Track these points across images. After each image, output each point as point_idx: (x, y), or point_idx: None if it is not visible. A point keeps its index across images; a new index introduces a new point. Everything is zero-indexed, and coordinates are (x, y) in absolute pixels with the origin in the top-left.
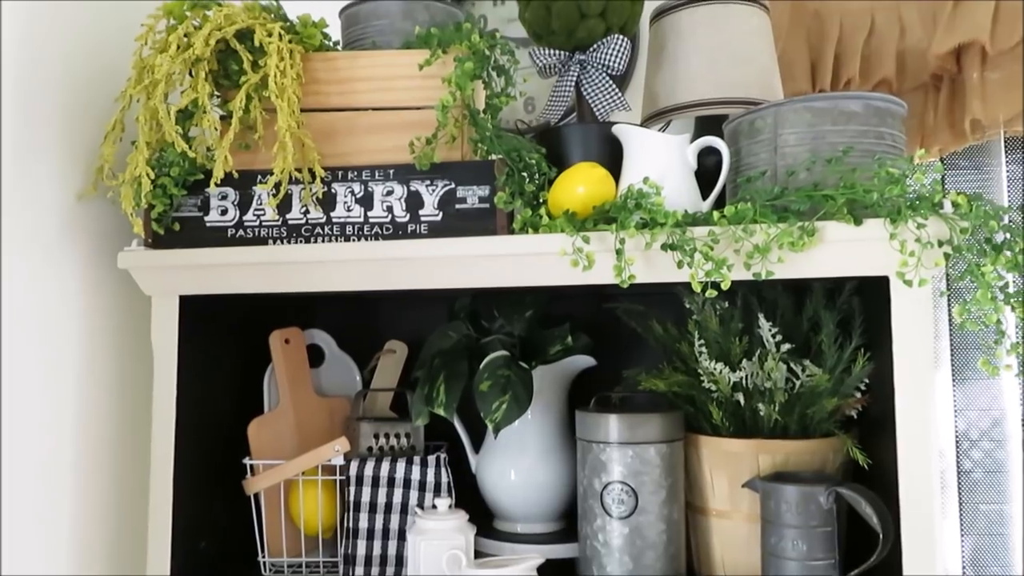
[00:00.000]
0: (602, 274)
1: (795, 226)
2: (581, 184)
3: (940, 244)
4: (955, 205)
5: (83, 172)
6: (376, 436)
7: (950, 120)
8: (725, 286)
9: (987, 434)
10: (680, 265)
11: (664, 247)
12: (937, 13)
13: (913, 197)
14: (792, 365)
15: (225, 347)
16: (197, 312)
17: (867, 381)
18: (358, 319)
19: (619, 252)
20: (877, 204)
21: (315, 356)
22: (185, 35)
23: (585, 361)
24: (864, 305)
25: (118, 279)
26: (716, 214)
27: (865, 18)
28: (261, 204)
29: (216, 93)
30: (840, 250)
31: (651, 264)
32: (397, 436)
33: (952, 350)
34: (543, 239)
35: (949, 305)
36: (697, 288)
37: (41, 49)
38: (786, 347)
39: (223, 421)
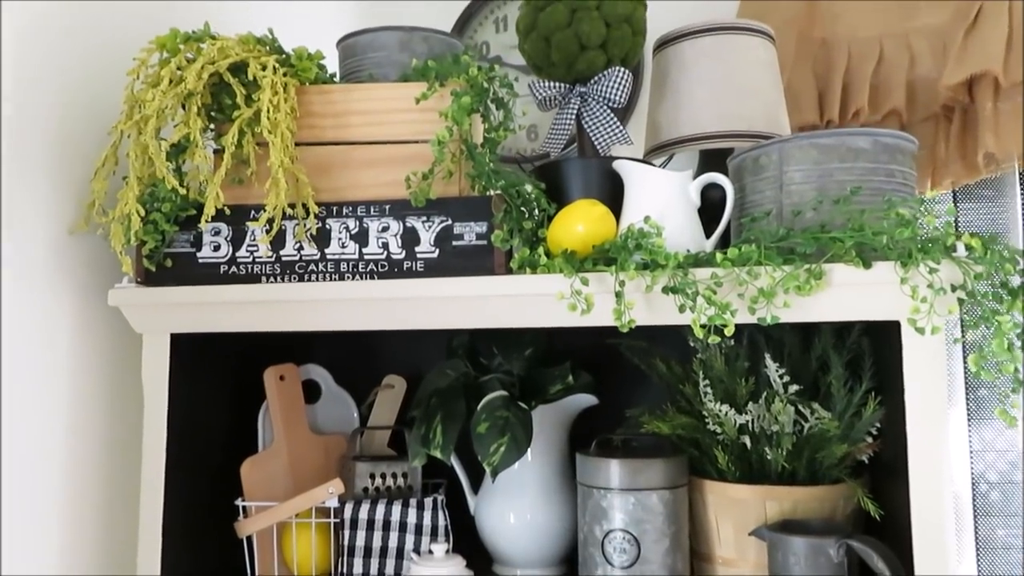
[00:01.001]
0: (601, 316)
1: (801, 269)
2: (580, 222)
3: (954, 289)
4: (969, 248)
5: (75, 206)
6: (372, 476)
7: (962, 152)
8: (729, 332)
9: (1006, 476)
10: (682, 309)
11: (665, 290)
12: (948, 43)
13: (925, 239)
14: (800, 407)
15: (218, 384)
16: (189, 349)
17: (878, 425)
18: (356, 353)
19: (619, 295)
20: (887, 247)
21: (311, 392)
22: (178, 69)
23: (587, 400)
24: (874, 345)
25: (110, 315)
26: (719, 255)
27: (874, 47)
28: (254, 240)
29: (210, 127)
30: (848, 294)
31: (652, 307)
32: (394, 476)
33: (967, 388)
34: (541, 280)
35: (964, 352)
36: (700, 334)
37: (35, 80)
38: (794, 388)
39: (215, 460)
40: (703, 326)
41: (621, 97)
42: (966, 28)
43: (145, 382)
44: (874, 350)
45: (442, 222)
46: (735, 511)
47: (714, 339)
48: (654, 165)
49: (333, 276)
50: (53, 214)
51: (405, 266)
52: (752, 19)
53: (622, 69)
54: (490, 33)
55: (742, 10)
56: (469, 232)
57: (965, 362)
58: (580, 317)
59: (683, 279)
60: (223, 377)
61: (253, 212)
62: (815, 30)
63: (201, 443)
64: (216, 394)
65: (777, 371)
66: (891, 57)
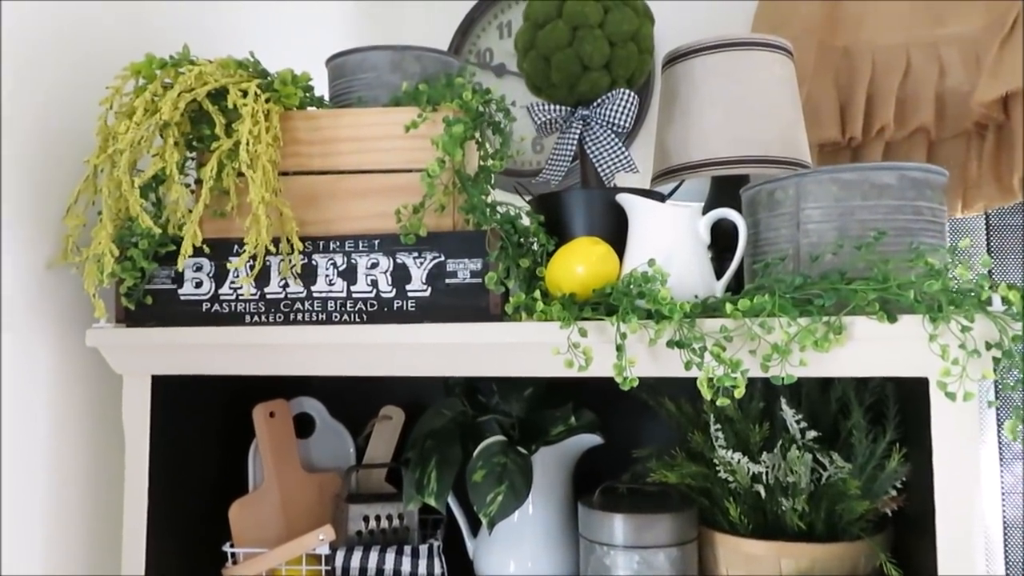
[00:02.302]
0: (602, 367)
1: (820, 322)
2: (580, 264)
3: (988, 347)
4: (1006, 302)
5: (55, 240)
6: (366, 519)
7: (996, 173)
8: (739, 394)
9: None
10: (688, 366)
11: (670, 344)
12: (981, 53)
13: (956, 290)
14: (818, 456)
15: (204, 423)
16: (172, 389)
17: (903, 479)
18: (351, 383)
19: (619, 349)
20: (915, 300)
21: (305, 425)
22: (153, 97)
23: (591, 440)
24: (899, 391)
25: (90, 353)
26: (729, 305)
27: (900, 57)
28: (238, 276)
29: (191, 156)
30: (871, 348)
31: (657, 359)
32: (389, 518)
33: (999, 424)
34: (537, 328)
35: (999, 418)
36: (707, 394)
37: (12, 108)
38: (812, 435)
39: (203, 503)
40: (711, 386)
41: (626, 121)
42: (1002, 37)
43: (126, 424)
44: (899, 397)
45: (434, 258)
46: (748, 567)
47: (723, 401)
48: (661, 194)
49: (320, 315)
50: (32, 248)
51: (395, 306)
52: (769, 27)
53: (627, 91)
54: (494, 39)
55: (758, 18)
56: (463, 269)
57: (999, 427)
58: (579, 372)
59: (690, 331)
60: (210, 415)
61: (236, 247)
62: (837, 38)
63: (187, 486)
64: (202, 434)
65: (794, 416)
66: (919, 68)
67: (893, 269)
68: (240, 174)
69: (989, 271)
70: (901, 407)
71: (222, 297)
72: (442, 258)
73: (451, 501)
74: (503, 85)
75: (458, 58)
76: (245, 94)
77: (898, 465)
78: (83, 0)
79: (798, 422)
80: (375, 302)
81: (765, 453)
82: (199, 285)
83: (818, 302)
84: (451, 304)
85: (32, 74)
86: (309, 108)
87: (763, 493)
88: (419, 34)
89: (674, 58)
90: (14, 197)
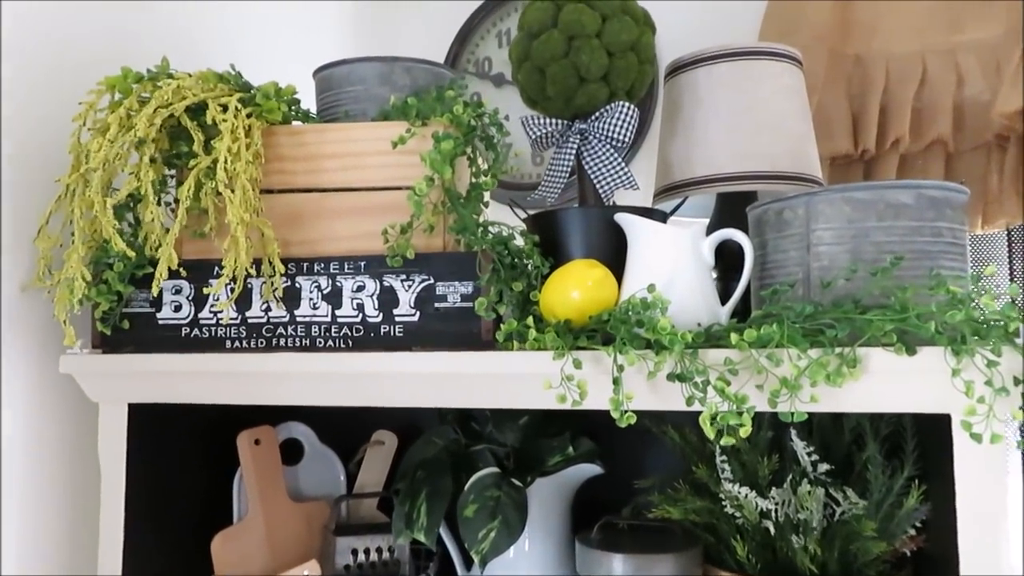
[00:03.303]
0: (597, 400)
1: (832, 354)
2: (575, 288)
3: (1017, 383)
4: None
5: (30, 262)
6: (354, 552)
7: (1018, 187)
8: (744, 433)
9: None
10: (690, 401)
11: (671, 377)
12: (1001, 60)
13: (980, 321)
14: (831, 491)
15: (186, 452)
16: (151, 417)
17: (923, 518)
18: (342, 407)
19: (616, 382)
20: (936, 332)
21: (293, 451)
22: (129, 113)
23: (590, 470)
24: (918, 423)
25: (68, 380)
26: (735, 336)
27: (915, 66)
28: (218, 300)
29: (171, 174)
30: (888, 383)
31: (657, 392)
32: (379, 551)
33: None
34: (529, 358)
35: None
36: (710, 433)
37: None
38: (824, 468)
39: (185, 534)
40: (714, 424)
41: (626, 135)
42: None
43: (102, 454)
44: (917, 429)
45: (423, 281)
46: None
47: (728, 440)
48: (663, 212)
49: (303, 341)
50: (7, 270)
51: (382, 331)
52: (777, 35)
53: (626, 104)
54: (492, 48)
55: (765, 26)
56: (453, 293)
57: None
58: (573, 406)
59: (692, 363)
60: (191, 443)
61: (217, 268)
62: (848, 46)
63: (166, 518)
64: (184, 463)
65: (805, 448)
66: (935, 76)
67: (912, 297)
68: (220, 193)
69: (1013, 300)
70: (920, 440)
71: (202, 321)
72: (431, 281)
73: (443, 531)
74: (502, 95)
75: (456, 68)
76: (225, 109)
77: (917, 503)
78: (63, 10)
79: (809, 454)
80: (361, 327)
81: (774, 488)
82: (178, 309)
83: (830, 333)
84: (441, 330)
85: (10, 88)
86: (295, 123)
87: (772, 530)
88: (417, 43)
89: (677, 68)
90: None
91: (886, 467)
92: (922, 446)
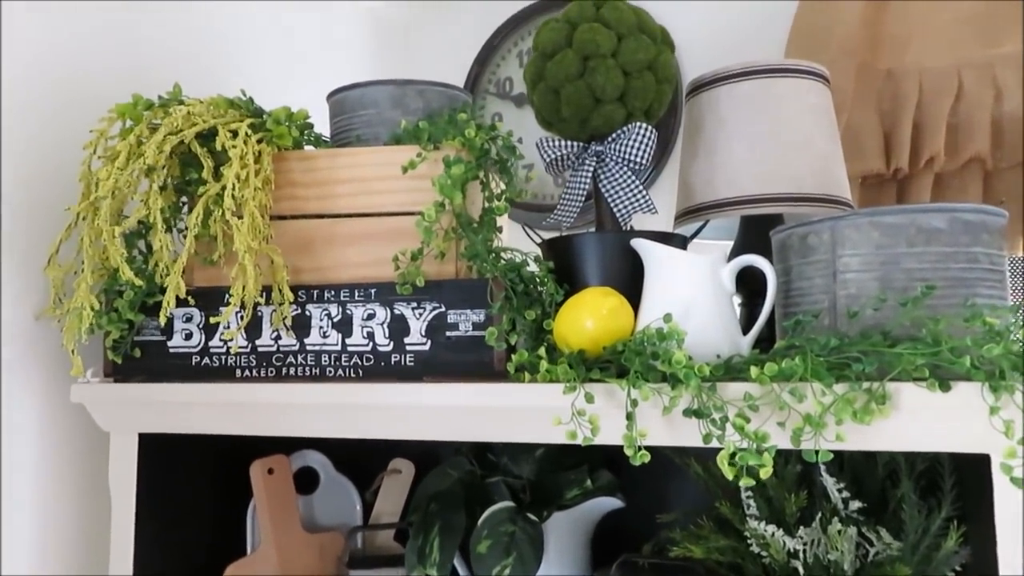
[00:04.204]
0: (611, 435)
1: (860, 390)
2: (589, 318)
3: None
4: None
5: (44, 290)
6: None
7: None
8: (765, 474)
9: None
10: (707, 439)
11: (687, 413)
12: None
13: (1020, 354)
14: (864, 530)
15: (198, 481)
16: (162, 446)
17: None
18: None
19: (630, 418)
20: (972, 367)
21: (308, 480)
22: (139, 140)
23: (609, 504)
24: (955, 460)
25: (78, 408)
26: (755, 369)
27: (950, 80)
28: (228, 327)
29: (183, 202)
30: (921, 421)
31: (673, 428)
32: None
33: None
34: (540, 391)
35: None
36: (729, 474)
37: (5, 151)
38: (855, 506)
39: (195, 568)
40: (732, 463)
41: (643, 157)
42: None
43: (112, 484)
44: (956, 466)
45: (434, 309)
46: None
47: (747, 481)
48: (682, 236)
49: (313, 370)
50: (19, 298)
51: (393, 360)
52: (803, 51)
53: (644, 125)
54: (513, 68)
55: (791, 42)
56: (464, 321)
57: None
58: (584, 443)
59: (709, 399)
60: (204, 472)
61: (227, 296)
62: (879, 60)
63: (177, 549)
64: (196, 492)
65: (835, 485)
66: (972, 91)
67: (945, 329)
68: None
69: None
70: (959, 477)
71: (212, 350)
72: (442, 309)
73: (458, 562)
74: (524, 115)
75: (477, 88)
76: (235, 135)
77: (956, 545)
78: (75, 35)
79: (840, 491)
80: (371, 356)
81: (803, 526)
82: (189, 337)
83: (857, 367)
84: (452, 359)
85: (27, 116)
86: (307, 148)
87: (801, 572)
88: (437, 63)
89: (698, 87)
90: (4, 245)
91: (922, 506)
92: (961, 484)
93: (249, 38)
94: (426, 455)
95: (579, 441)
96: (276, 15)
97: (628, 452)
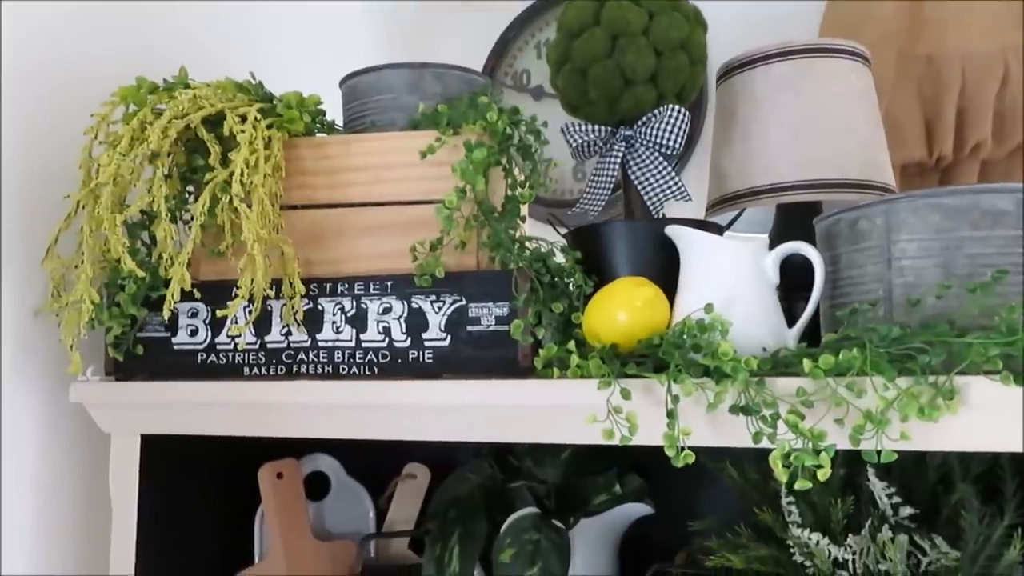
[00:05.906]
0: (649, 434)
1: (925, 384)
2: (621, 309)
3: None
4: None
5: (43, 285)
6: None
7: None
8: (823, 476)
9: None
10: (757, 438)
11: (734, 409)
12: None
13: None
14: (916, 538)
15: (203, 485)
16: (166, 448)
17: None
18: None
19: (671, 415)
20: None
21: (319, 485)
22: (143, 125)
23: (639, 510)
24: (1017, 463)
25: (78, 408)
26: (809, 362)
27: (996, 64)
28: (236, 323)
29: (189, 190)
30: (992, 418)
31: (718, 427)
32: None
33: None
34: (571, 387)
35: None
36: (783, 477)
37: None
38: (907, 512)
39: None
40: (787, 464)
41: (676, 141)
42: None
43: (113, 488)
44: (1018, 468)
45: (455, 302)
46: None
47: (803, 484)
48: (719, 225)
49: (326, 367)
50: (19, 293)
51: (410, 356)
52: (839, 35)
53: (677, 107)
54: (531, 60)
55: (825, 26)
56: (487, 315)
57: None
58: (621, 442)
59: (758, 394)
60: (209, 476)
61: (235, 289)
62: (919, 45)
63: (181, 558)
64: (201, 498)
65: (885, 489)
66: (1019, 76)
67: (1020, 317)
68: (236, 208)
69: None
70: (1022, 481)
71: (219, 346)
72: (463, 302)
73: (478, 572)
74: (541, 108)
75: (493, 81)
76: (244, 119)
77: (1021, 555)
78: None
79: (890, 496)
80: (387, 352)
81: (850, 534)
82: (194, 333)
83: (922, 359)
84: (473, 355)
85: (23, 100)
86: (319, 135)
87: None
88: (452, 55)
89: (731, 69)
90: (4, 238)
91: (982, 511)
92: (1022, 488)
93: (260, 27)
94: (442, 460)
95: (616, 441)
96: (287, 5)
97: (670, 452)
